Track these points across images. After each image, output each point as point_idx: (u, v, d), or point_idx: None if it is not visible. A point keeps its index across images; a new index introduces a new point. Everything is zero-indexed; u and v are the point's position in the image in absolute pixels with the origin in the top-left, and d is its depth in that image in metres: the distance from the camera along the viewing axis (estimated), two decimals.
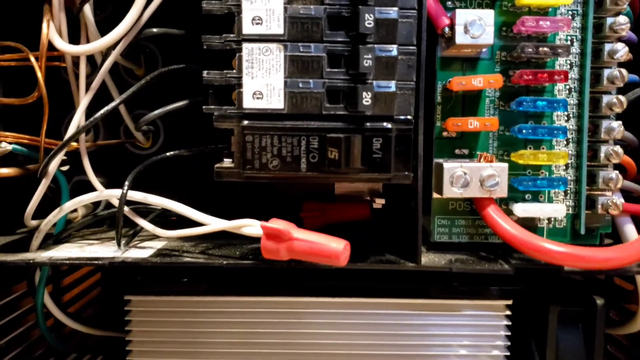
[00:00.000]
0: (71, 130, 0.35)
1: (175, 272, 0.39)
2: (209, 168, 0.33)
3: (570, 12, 0.35)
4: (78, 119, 0.34)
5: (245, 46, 0.31)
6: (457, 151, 0.36)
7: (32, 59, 0.35)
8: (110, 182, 0.41)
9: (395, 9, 0.31)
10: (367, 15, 0.30)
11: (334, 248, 0.31)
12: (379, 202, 0.38)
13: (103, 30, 0.36)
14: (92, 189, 0.38)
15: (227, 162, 0.33)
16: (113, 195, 0.35)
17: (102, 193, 0.35)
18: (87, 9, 0.35)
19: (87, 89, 0.36)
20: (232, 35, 0.31)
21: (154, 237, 0.38)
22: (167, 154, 0.36)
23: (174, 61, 0.39)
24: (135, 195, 0.35)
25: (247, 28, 0.31)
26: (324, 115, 0.32)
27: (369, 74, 0.31)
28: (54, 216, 0.36)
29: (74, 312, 0.47)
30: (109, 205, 0.41)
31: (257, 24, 0.31)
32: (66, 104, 0.39)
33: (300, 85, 0.31)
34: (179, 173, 0.43)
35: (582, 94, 0.35)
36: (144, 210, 0.38)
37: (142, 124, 0.37)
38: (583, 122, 0.35)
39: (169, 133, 0.43)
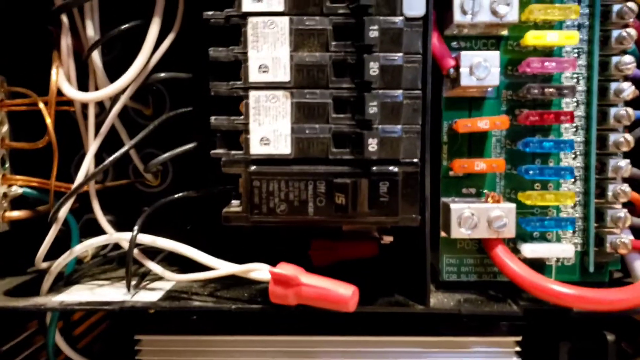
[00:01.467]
0: (81, 175, 0.35)
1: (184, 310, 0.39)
2: (217, 206, 0.33)
3: (575, 51, 0.35)
4: (87, 165, 0.35)
5: (252, 94, 0.32)
6: (464, 190, 0.36)
7: (42, 105, 0.35)
8: (119, 220, 0.41)
9: (400, 54, 0.31)
10: (371, 63, 0.30)
11: (342, 294, 0.31)
12: (387, 239, 0.39)
13: (111, 71, 0.37)
14: (101, 228, 0.38)
15: (234, 205, 0.34)
16: (123, 238, 0.36)
17: (112, 236, 0.36)
18: (96, 55, 0.35)
19: (96, 132, 0.36)
20: (238, 82, 0.32)
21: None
22: (176, 196, 0.37)
23: (182, 100, 0.39)
24: (145, 239, 0.35)
25: (254, 76, 0.31)
26: (330, 160, 0.32)
27: (374, 120, 0.31)
28: (64, 259, 0.37)
29: (84, 347, 0.47)
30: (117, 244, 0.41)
31: (263, 72, 0.31)
32: (75, 144, 0.40)
33: (307, 131, 0.32)
34: (186, 211, 0.43)
35: (589, 132, 0.35)
36: (152, 250, 0.38)
37: (152, 166, 0.37)
38: (590, 161, 0.35)
39: (178, 171, 0.43)
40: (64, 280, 0.38)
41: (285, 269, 0.32)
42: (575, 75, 0.35)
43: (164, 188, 0.43)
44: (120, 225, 0.39)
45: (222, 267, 0.34)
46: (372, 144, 0.31)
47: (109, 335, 0.48)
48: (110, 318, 0.50)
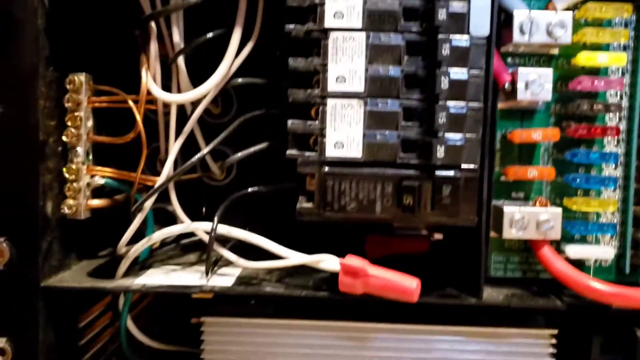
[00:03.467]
0: (164, 173, 0.38)
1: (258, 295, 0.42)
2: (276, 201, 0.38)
3: (620, 70, 0.38)
4: (170, 163, 0.38)
5: (330, 101, 0.35)
6: (513, 194, 0.39)
7: (131, 103, 0.38)
8: (184, 211, 0.45)
9: (466, 69, 0.34)
10: (442, 77, 0.33)
11: (408, 285, 0.34)
12: (437, 236, 0.42)
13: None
14: (170, 217, 0.41)
15: (303, 201, 0.37)
16: (200, 227, 0.39)
17: (190, 226, 0.39)
18: (181, 60, 0.38)
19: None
20: (316, 90, 0.35)
21: (230, 263, 0.41)
22: (249, 190, 0.40)
23: (248, 101, 0.42)
24: (221, 229, 0.38)
25: (332, 85, 0.35)
26: (397, 164, 0.35)
27: (441, 128, 0.34)
28: (143, 245, 0.40)
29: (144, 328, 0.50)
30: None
31: (340, 82, 0.35)
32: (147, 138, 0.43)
33: (378, 136, 0.35)
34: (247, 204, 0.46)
35: (630, 145, 0.38)
36: (221, 238, 0.41)
37: (227, 164, 0.40)
38: (630, 170, 0.38)
39: (241, 166, 0.46)
40: (139, 265, 0.41)
41: (354, 260, 0.35)
42: (618, 92, 0.38)
43: (227, 183, 0.46)
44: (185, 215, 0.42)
45: (293, 257, 0.37)
46: (440, 151, 0.34)
47: (163, 317, 0.52)
48: (168, 301, 0.54)
